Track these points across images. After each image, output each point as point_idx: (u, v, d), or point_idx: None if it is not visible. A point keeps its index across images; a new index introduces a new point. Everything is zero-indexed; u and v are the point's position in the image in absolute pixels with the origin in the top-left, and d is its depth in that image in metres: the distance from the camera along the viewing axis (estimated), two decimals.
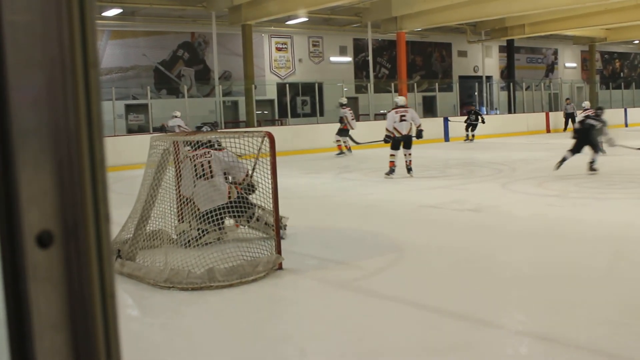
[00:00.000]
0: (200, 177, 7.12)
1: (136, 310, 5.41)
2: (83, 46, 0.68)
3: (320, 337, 4.40)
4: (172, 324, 4.86)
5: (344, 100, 20.39)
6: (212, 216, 6.78)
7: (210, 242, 6.75)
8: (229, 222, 7.30)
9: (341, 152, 19.68)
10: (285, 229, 7.24)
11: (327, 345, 4.25)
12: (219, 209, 6.87)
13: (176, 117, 19.76)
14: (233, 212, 6.94)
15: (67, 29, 0.67)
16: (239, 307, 5.12)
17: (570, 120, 27.13)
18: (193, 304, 5.18)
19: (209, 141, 7.41)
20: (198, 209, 6.95)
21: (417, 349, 4.10)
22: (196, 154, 7.29)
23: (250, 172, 7.14)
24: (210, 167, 7.13)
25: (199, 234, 6.67)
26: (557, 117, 29.94)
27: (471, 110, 24.79)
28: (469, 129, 24.04)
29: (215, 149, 7.37)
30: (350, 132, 19.55)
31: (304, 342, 4.33)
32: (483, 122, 24.10)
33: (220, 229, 6.87)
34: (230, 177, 7.26)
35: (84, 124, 0.68)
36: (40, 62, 0.67)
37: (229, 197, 6.96)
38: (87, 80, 0.68)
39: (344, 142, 19.77)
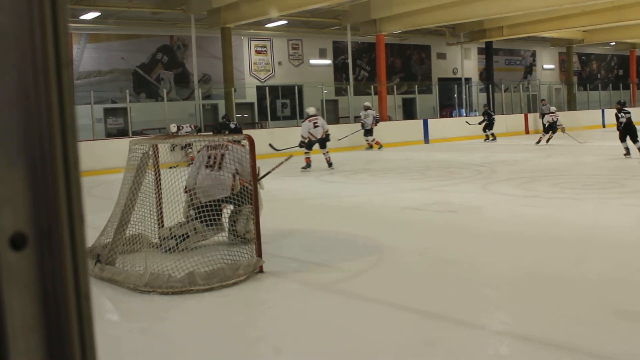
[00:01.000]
0: (207, 166, 7.10)
1: (116, 315, 5.37)
2: (55, 47, 0.68)
3: (300, 339, 4.40)
4: (152, 328, 4.83)
5: (369, 104, 23.14)
6: (209, 209, 6.74)
7: (188, 248, 6.70)
8: (227, 211, 7.21)
9: (370, 147, 22.49)
10: (244, 238, 7.03)
11: (308, 347, 4.25)
12: (217, 204, 6.87)
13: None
14: (234, 201, 6.95)
15: (39, 30, 0.67)
16: (220, 310, 5.11)
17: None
18: (173, 308, 5.16)
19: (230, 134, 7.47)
20: (193, 202, 6.92)
21: (398, 350, 4.11)
22: (216, 144, 7.27)
23: (258, 175, 7.07)
24: (222, 159, 7.09)
25: (176, 242, 6.59)
26: (536, 119, 30.14)
27: (485, 110, 25.87)
28: (487, 129, 24.89)
29: (237, 143, 7.37)
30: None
31: (285, 345, 4.33)
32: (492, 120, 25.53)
33: (212, 223, 6.80)
34: (238, 176, 7.16)
35: (57, 125, 0.68)
36: (12, 64, 0.66)
37: (232, 191, 6.94)
38: (60, 81, 0.68)
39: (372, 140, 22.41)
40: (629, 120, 15.13)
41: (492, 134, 24.74)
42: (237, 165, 7.08)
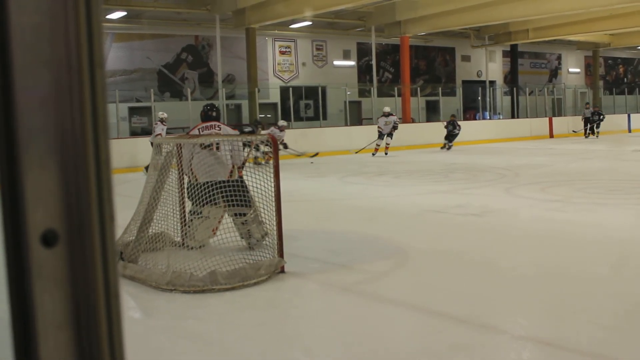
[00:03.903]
0: (204, 147, 6.95)
1: (138, 313, 5.41)
2: (89, 46, 0.68)
3: (322, 340, 4.40)
4: (174, 326, 4.85)
5: (389, 109, 22.26)
6: (206, 193, 6.62)
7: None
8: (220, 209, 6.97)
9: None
10: (263, 239, 6.70)
11: (330, 349, 4.25)
12: (215, 187, 6.70)
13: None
14: (230, 198, 6.72)
15: (73, 30, 0.68)
16: (241, 310, 5.12)
17: (588, 124, 28.61)
18: (195, 306, 5.18)
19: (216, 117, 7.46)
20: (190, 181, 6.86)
21: (419, 353, 4.10)
22: (206, 126, 7.24)
23: (246, 157, 6.99)
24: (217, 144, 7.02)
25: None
26: (561, 122, 29.94)
27: (595, 111, 27.72)
28: (595, 127, 27.38)
29: (226, 125, 7.35)
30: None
31: (306, 345, 4.33)
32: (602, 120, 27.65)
33: (215, 203, 6.72)
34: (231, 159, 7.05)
35: (90, 124, 0.69)
36: (47, 63, 0.67)
37: (230, 177, 6.86)
38: (93, 80, 0.69)
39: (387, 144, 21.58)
40: None
41: (596, 132, 25.93)
42: (232, 145, 6.99)
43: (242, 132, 18.81)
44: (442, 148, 23.16)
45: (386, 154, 21.11)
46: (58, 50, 0.67)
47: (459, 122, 23.55)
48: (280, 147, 18.79)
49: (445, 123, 23.31)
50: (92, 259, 0.69)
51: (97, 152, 0.69)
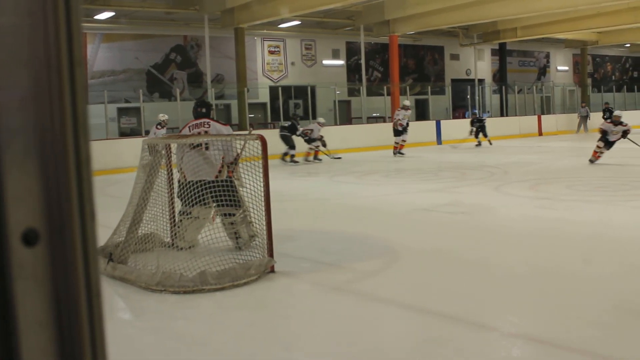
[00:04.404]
0: (193, 147, 6.91)
1: (128, 314, 5.40)
2: (69, 46, 0.68)
3: (312, 339, 4.40)
4: (164, 327, 4.85)
5: (408, 103, 21.08)
6: (195, 192, 6.61)
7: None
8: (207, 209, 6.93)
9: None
10: (252, 240, 6.68)
11: (321, 348, 4.25)
12: (204, 187, 6.67)
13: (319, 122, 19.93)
14: (219, 198, 6.69)
15: (53, 29, 0.68)
16: (231, 310, 5.11)
17: (583, 123, 29.93)
18: (185, 307, 5.18)
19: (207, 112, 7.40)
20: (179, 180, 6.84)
21: (410, 351, 4.11)
22: (195, 124, 7.21)
23: (239, 153, 6.92)
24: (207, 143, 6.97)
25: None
26: (549, 120, 30.08)
27: (606, 108, 28.13)
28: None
29: (216, 121, 7.30)
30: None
31: (296, 345, 4.33)
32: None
33: (204, 204, 6.71)
34: (222, 156, 7.00)
35: (70, 123, 0.68)
36: (26, 63, 0.67)
37: (217, 177, 6.81)
38: (72, 79, 0.69)
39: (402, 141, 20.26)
40: None
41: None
42: (223, 143, 6.94)
43: (282, 127, 19.28)
44: (477, 145, 23.04)
45: (402, 153, 20.14)
46: (37, 49, 0.67)
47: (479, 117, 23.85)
48: (318, 143, 19.11)
49: (472, 129, 23.12)
50: (73, 257, 0.69)
51: (78, 151, 0.69)
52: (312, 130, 18.85)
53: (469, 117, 24.47)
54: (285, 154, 18.69)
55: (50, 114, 0.68)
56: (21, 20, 0.67)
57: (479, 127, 23.00)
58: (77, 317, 0.69)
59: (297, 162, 18.54)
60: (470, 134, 23.07)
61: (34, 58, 0.67)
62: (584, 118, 30.39)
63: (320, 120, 19.59)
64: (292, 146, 18.68)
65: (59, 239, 0.68)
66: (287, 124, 19.39)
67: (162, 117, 16.63)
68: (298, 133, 18.66)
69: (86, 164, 0.70)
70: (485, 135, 23.06)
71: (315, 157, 19.21)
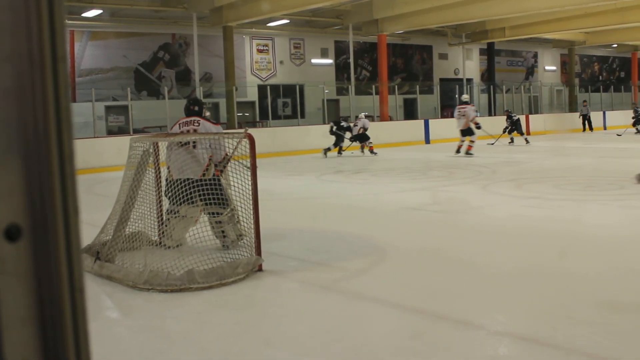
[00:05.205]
0: (181, 145, 6.88)
1: (115, 312, 5.38)
2: (52, 41, 0.68)
3: (300, 337, 4.40)
4: (151, 325, 4.83)
5: (466, 97, 19.91)
6: (183, 191, 6.58)
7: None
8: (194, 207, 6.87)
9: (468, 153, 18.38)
10: (239, 240, 6.71)
11: (309, 347, 4.25)
12: (192, 186, 6.62)
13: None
14: (206, 197, 6.61)
15: (35, 24, 0.67)
16: (219, 309, 5.11)
17: (586, 121, 30.63)
18: (172, 306, 5.17)
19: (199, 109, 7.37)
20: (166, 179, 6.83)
21: (398, 350, 4.11)
22: (185, 122, 7.19)
23: (229, 153, 6.88)
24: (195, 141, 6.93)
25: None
26: (537, 120, 30.21)
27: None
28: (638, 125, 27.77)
29: (206, 119, 7.27)
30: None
31: (284, 343, 4.33)
32: None
33: (192, 203, 6.69)
34: (211, 155, 6.95)
35: (53, 119, 0.68)
36: (8, 58, 0.67)
37: (203, 176, 6.76)
38: (55, 75, 0.68)
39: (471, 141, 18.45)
40: None
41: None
42: (211, 142, 6.90)
43: (337, 126, 20.02)
44: (510, 142, 23.19)
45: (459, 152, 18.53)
46: (20, 44, 0.67)
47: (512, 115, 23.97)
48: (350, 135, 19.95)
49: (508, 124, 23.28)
50: (56, 253, 0.69)
51: (61, 146, 0.69)
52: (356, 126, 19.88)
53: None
54: (339, 148, 19.78)
55: (33, 110, 0.68)
56: (3, 15, 0.66)
57: (511, 125, 23.26)
58: (60, 312, 0.69)
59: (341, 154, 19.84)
60: (504, 131, 23.40)
61: (16, 53, 0.67)
62: (586, 117, 30.80)
63: (368, 114, 20.55)
64: (341, 140, 19.74)
65: (41, 235, 0.68)
66: (344, 124, 20.28)
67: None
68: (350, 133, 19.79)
69: (69, 160, 0.70)
70: (521, 133, 23.45)
71: (371, 151, 20.02)
